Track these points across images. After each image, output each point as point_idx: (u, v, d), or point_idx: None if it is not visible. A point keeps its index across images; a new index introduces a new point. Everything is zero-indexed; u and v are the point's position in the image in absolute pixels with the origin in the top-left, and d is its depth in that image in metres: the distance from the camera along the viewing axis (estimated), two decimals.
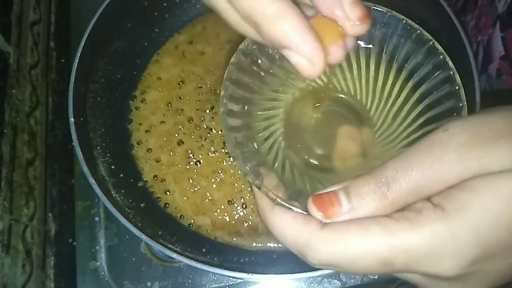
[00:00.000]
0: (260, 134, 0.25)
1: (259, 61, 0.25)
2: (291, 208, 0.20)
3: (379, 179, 0.18)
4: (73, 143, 0.39)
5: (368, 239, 0.18)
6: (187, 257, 0.36)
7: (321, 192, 0.20)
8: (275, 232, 0.20)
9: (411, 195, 0.18)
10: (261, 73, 0.26)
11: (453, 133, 0.18)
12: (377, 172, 0.19)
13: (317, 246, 0.19)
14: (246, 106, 0.25)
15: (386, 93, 0.26)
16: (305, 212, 0.20)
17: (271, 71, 0.26)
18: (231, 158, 0.47)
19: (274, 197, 0.21)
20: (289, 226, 0.20)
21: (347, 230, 0.18)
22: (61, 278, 0.46)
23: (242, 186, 0.46)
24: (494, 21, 0.42)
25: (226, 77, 0.24)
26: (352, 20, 0.20)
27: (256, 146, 0.24)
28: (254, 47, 0.24)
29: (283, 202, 0.21)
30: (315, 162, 0.26)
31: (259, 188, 0.21)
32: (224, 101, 0.23)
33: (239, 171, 0.46)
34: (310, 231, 0.19)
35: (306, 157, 0.26)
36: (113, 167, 0.44)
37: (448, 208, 0.17)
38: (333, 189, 0.19)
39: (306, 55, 0.19)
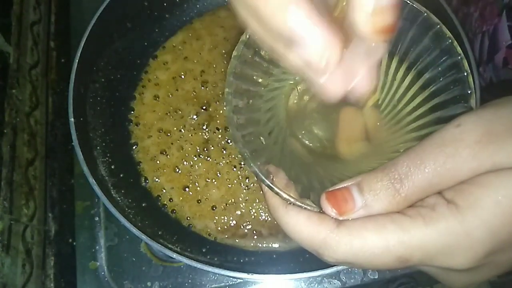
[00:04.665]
0: (265, 127, 0.24)
1: (262, 51, 0.24)
2: (303, 207, 0.20)
3: (392, 176, 0.18)
4: (73, 143, 0.39)
5: (384, 238, 0.18)
6: (187, 257, 0.36)
7: (333, 188, 0.20)
8: (290, 232, 0.20)
9: (423, 191, 0.18)
10: (264, 63, 0.25)
11: (465, 129, 0.18)
12: (389, 168, 0.19)
13: (334, 245, 0.19)
14: (250, 100, 0.24)
15: (390, 77, 0.25)
16: (318, 210, 0.20)
17: (274, 60, 0.25)
18: (231, 159, 0.47)
19: (286, 197, 0.20)
20: (304, 227, 0.19)
21: (363, 229, 0.18)
22: (61, 278, 0.46)
23: (242, 186, 0.46)
24: (500, 10, 0.42)
25: (229, 72, 0.22)
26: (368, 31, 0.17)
27: (263, 141, 0.23)
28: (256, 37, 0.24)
29: (296, 202, 0.20)
30: (319, 148, 0.25)
31: (270, 187, 0.21)
32: (229, 98, 0.22)
33: (246, 171, 0.46)
34: (326, 231, 0.19)
35: (310, 144, 0.25)
36: (113, 167, 0.44)
37: (461, 204, 0.18)
38: (345, 185, 0.19)
39: (319, 45, 0.17)
